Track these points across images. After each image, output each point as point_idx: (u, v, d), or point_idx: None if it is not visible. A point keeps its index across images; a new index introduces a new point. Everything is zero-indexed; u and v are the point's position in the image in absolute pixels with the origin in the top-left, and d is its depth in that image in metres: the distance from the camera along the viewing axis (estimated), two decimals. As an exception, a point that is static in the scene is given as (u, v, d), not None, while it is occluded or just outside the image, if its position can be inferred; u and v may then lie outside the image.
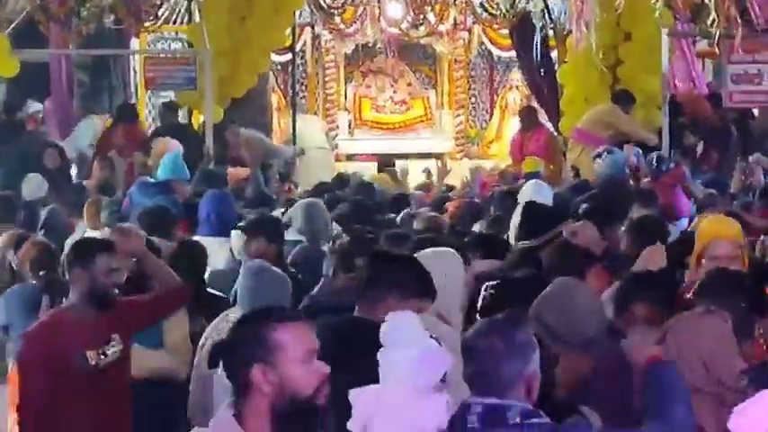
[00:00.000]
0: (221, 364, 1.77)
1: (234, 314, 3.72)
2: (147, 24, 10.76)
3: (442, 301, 3.03)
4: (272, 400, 1.68)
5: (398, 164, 10.80)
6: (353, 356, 2.50)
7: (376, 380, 2.00)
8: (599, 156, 8.51)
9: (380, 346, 2.05)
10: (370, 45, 12.70)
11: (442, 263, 3.37)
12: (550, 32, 11.26)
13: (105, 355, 3.43)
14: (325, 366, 1.74)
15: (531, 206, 5.82)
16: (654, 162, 8.39)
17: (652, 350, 2.63)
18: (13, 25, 9.98)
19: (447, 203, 7.40)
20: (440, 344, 2.24)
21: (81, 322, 3.44)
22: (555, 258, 4.26)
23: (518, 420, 1.91)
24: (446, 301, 3.09)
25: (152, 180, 8.12)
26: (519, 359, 1.98)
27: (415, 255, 3.54)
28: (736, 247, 3.98)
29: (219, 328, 3.77)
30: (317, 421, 1.78)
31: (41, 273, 4.60)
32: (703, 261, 3.90)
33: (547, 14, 11.22)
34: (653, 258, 4.35)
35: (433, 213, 6.52)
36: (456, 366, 2.20)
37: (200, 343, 3.98)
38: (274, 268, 4.25)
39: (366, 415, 1.96)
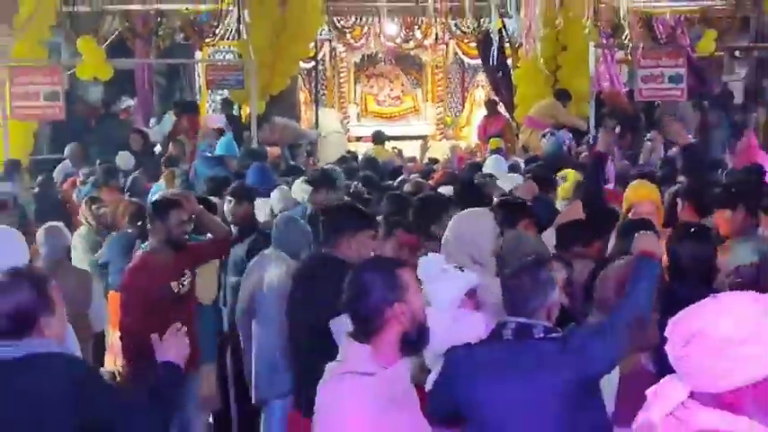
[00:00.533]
0: (349, 310, 1.79)
1: (270, 252, 3.68)
2: (207, 40, 10.29)
3: (475, 250, 2.92)
4: (404, 330, 1.74)
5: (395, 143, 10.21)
6: (324, 282, 2.66)
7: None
8: (544, 136, 8.35)
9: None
10: (373, 55, 12.27)
11: (476, 220, 3.24)
12: (507, 45, 10.59)
13: (183, 286, 3.45)
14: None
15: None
16: (590, 141, 8.05)
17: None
18: (108, 41, 9.49)
19: (433, 173, 7.08)
20: (462, 270, 2.48)
21: (164, 261, 3.41)
22: (501, 210, 3.98)
23: (542, 335, 1.98)
24: (479, 250, 2.94)
25: (210, 155, 7.95)
26: (541, 292, 2.01)
27: (456, 216, 3.39)
28: (654, 206, 3.97)
29: (263, 263, 3.67)
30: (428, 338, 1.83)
31: (138, 223, 4.52)
32: (630, 216, 3.88)
33: (504, 31, 10.50)
34: (574, 212, 4.26)
35: (420, 179, 6.23)
36: (493, 293, 2.36)
37: (246, 272, 3.85)
38: (300, 221, 4.19)
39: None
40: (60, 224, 4.28)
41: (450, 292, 2.49)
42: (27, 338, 1.82)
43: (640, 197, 4.05)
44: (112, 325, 4.08)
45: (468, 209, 3.58)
